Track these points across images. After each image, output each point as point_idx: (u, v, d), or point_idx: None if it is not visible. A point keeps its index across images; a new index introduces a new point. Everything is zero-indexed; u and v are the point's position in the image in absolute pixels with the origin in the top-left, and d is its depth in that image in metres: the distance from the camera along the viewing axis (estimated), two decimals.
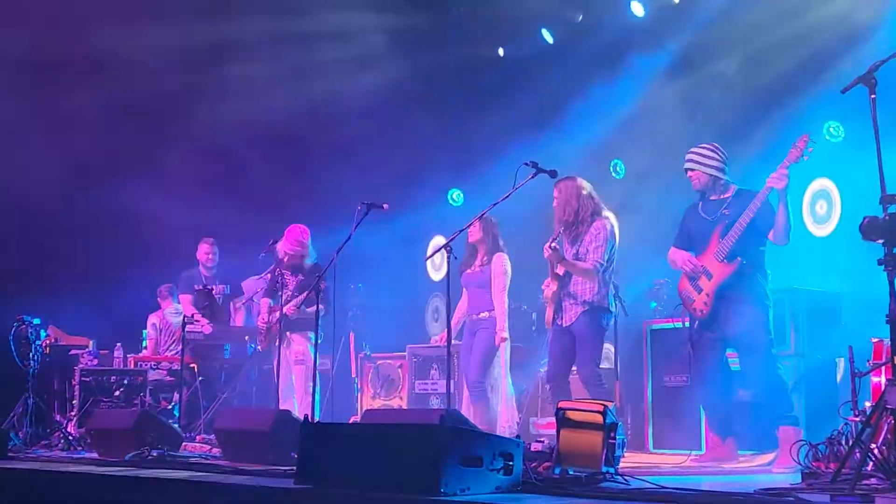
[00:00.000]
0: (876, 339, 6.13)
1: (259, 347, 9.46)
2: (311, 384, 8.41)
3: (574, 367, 7.61)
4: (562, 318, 7.45)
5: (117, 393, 9.48)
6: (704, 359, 6.98)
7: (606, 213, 7.65)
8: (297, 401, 9.04)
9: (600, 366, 7.61)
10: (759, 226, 6.69)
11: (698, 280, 6.86)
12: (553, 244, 7.25)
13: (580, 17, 11.05)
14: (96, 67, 10.77)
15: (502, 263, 8.37)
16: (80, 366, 9.66)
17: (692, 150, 7.07)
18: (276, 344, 8.79)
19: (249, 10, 11.18)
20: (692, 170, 7.01)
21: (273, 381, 8.94)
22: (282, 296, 8.98)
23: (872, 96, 5.09)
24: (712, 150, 7.00)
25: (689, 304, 6.97)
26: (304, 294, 8.59)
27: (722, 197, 6.96)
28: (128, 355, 10.17)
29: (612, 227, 7.61)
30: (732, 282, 6.72)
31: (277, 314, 9.00)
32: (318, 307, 7.99)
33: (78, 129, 10.84)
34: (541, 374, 8.77)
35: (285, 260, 9.22)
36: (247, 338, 9.99)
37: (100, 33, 10.52)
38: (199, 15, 10.89)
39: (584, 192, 7.53)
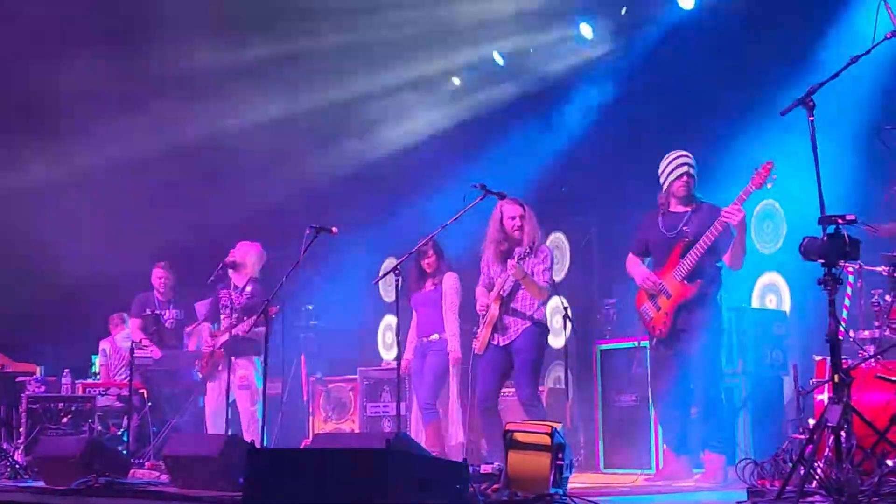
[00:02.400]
0: (819, 358, 6.23)
1: (200, 373, 9.38)
2: (256, 409, 8.36)
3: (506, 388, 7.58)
4: (501, 337, 7.34)
5: (65, 420, 9.34)
6: (661, 375, 7.01)
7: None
8: (243, 425, 8.98)
9: (542, 386, 7.61)
10: (718, 247, 6.73)
11: (657, 298, 6.88)
12: (520, 259, 7.18)
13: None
14: None
15: (453, 281, 8.38)
16: (27, 393, 9.53)
17: (684, 154, 6.95)
18: (220, 369, 8.74)
19: None
20: (690, 175, 6.92)
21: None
22: (223, 319, 8.95)
23: (811, 118, 5.16)
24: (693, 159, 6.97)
25: (648, 320, 6.98)
26: (255, 316, 8.55)
27: (682, 210, 6.93)
28: (76, 381, 10.05)
29: (552, 253, 7.61)
30: (691, 303, 6.75)
31: (222, 338, 8.95)
32: (267, 329, 7.95)
33: None
34: None
35: (231, 274, 9.19)
36: (196, 362, 9.91)
37: None
38: None
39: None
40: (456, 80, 11.84)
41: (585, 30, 10.49)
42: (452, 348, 8.25)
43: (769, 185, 6.46)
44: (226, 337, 8.97)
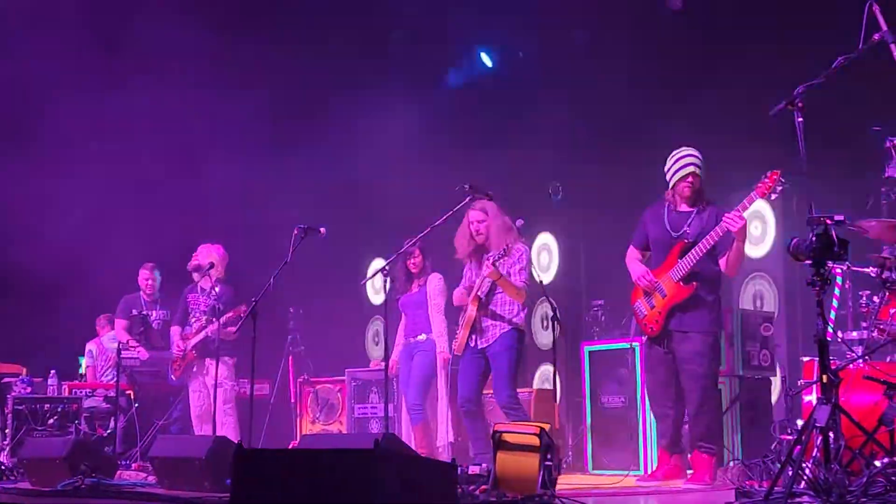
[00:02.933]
0: (807, 359, 6.23)
1: (173, 376, 9.37)
2: (229, 406, 8.36)
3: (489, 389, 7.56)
4: (480, 340, 7.31)
5: (51, 421, 9.30)
6: (655, 373, 6.99)
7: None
8: (216, 424, 8.96)
9: (522, 389, 7.59)
10: (718, 250, 6.71)
11: (652, 296, 6.86)
12: (495, 261, 7.17)
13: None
14: None
15: (439, 283, 8.39)
16: (13, 394, 9.48)
17: (691, 152, 6.82)
18: (194, 370, 8.74)
19: None
20: (696, 175, 6.80)
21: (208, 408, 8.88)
22: (194, 322, 8.97)
23: (799, 119, 5.17)
24: (700, 155, 6.85)
25: (640, 317, 6.95)
26: (230, 313, 8.58)
27: (688, 210, 6.85)
28: (62, 383, 10.01)
29: (530, 253, 7.58)
30: (686, 304, 6.73)
31: (192, 341, 8.97)
32: (254, 332, 7.92)
33: None
34: None
35: (197, 278, 9.18)
36: (170, 365, 9.88)
37: None
38: None
39: (505, 216, 7.42)
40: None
41: None
42: (441, 349, 8.25)
43: (773, 196, 6.37)
44: (197, 339, 9.00)
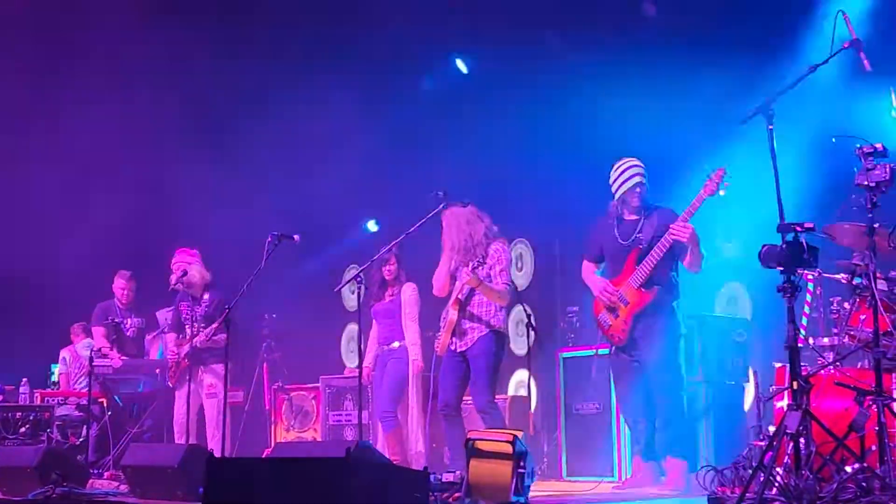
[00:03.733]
0: (779, 365, 6.26)
1: (170, 383, 9.32)
2: (223, 417, 8.31)
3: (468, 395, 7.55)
4: (459, 342, 7.27)
5: (23, 429, 9.23)
6: (624, 381, 7.01)
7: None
8: (208, 434, 8.93)
9: (505, 394, 7.59)
10: (675, 253, 6.75)
11: (616, 307, 6.88)
12: (474, 268, 7.17)
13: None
14: None
15: (412, 293, 8.41)
16: None
17: (634, 162, 6.91)
18: (187, 378, 8.68)
19: None
20: (642, 184, 6.88)
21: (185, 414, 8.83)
22: (187, 328, 8.91)
23: (770, 127, 5.20)
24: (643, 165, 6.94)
25: (606, 328, 6.99)
26: (215, 325, 8.53)
27: (636, 218, 6.92)
28: (34, 390, 9.94)
29: (510, 251, 7.57)
30: (649, 310, 6.77)
31: (186, 348, 8.91)
32: (227, 337, 7.90)
33: None
34: None
35: (180, 288, 9.13)
36: (157, 371, 9.83)
37: None
38: None
39: (473, 216, 7.35)
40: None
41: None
42: (415, 356, 8.26)
43: (722, 192, 6.49)
44: (188, 347, 8.94)
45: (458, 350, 7.28)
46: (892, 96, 5.54)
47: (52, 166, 11.10)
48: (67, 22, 10.96)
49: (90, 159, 11.17)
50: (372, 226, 12.50)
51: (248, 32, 11.36)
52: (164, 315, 10.13)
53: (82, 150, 11.15)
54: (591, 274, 7.15)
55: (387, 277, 8.45)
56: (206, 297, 9.13)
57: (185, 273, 9.08)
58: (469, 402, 7.62)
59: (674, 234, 6.54)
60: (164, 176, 11.31)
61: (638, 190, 6.87)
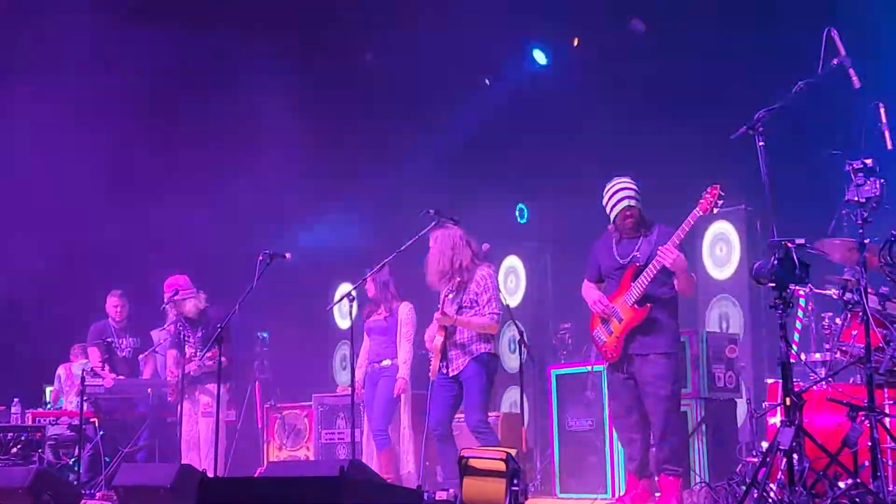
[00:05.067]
0: (771, 381, 6.27)
1: (170, 399, 9.31)
2: (215, 436, 8.29)
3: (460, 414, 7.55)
4: (448, 368, 7.29)
5: (14, 450, 9.19)
6: (616, 400, 7.00)
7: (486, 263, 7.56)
8: (203, 454, 8.90)
9: (490, 412, 7.57)
10: (670, 271, 6.73)
11: (609, 323, 6.88)
12: (442, 312, 7.16)
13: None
14: None
15: (409, 312, 8.41)
16: None
17: (625, 184, 6.83)
18: (186, 396, 8.69)
19: None
20: (634, 206, 6.80)
21: (178, 435, 8.80)
22: (187, 348, 8.91)
23: (761, 143, 5.23)
24: (635, 184, 6.87)
25: (600, 344, 6.97)
26: (206, 351, 8.56)
27: (634, 237, 6.87)
28: (26, 410, 9.90)
29: (496, 277, 7.54)
30: (643, 327, 6.75)
31: (180, 371, 8.92)
32: (219, 359, 7.89)
33: None
34: None
35: (175, 313, 9.14)
36: (149, 390, 9.80)
37: None
38: None
39: (460, 241, 7.36)
40: None
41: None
42: (401, 374, 8.24)
43: (715, 211, 6.45)
44: (185, 369, 8.94)
45: (449, 374, 7.31)
46: (881, 112, 5.54)
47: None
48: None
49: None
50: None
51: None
52: (158, 334, 10.11)
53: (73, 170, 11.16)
54: (590, 289, 7.12)
55: (368, 295, 8.45)
56: (203, 318, 9.14)
57: (176, 292, 9.08)
58: (462, 419, 7.62)
59: (660, 259, 6.53)
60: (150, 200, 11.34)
61: (629, 213, 6.82)
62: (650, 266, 6.62)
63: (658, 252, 6.52)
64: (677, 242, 6.48)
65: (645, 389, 6.76)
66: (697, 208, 6.44)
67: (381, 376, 8.36)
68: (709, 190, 6.43)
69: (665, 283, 6.74)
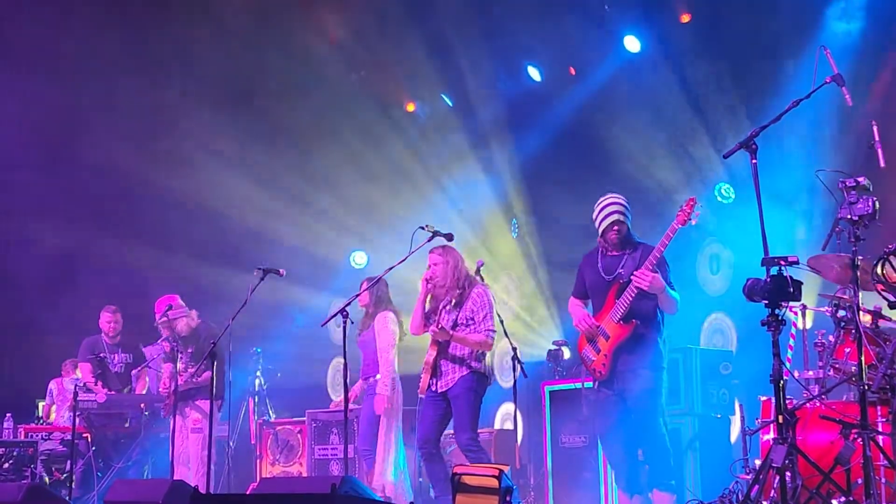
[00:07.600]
0: (764, 398, 6.27)
1: (163, 413, 9.30)
2: (207, 453, 8.27)
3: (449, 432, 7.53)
4: (439, 383, 7.28)
5: (6, 465, 9.16)
6: (606, 416, 6.99)
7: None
8: (192, 470, 8.88)
9: (491, 428, 7.57)
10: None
11: (596, 341, 6.88)
12: (439, 326, 7.17)
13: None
14: None
15: (386, 320, 8.29)
16: None
17: (615, 200, 6.86)
18: (175, 412, 8.66)
19: None
20: (622, 222, 6.83)
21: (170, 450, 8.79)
22: (180, 363, 8.90)
23: (754, 161, 5.24)
24: (625, 200, 6.91)
25: (588, 363, 6.97)
26: (196, 367, 8.55)
27: (619, 253, 6.89)
28: (18, 426, 9.87)
29: (491, 295, 7.52)
30: (629, 343, 6.74)
31: (173, 384, 8.90)
32: (212, 375, 7.87)
33: None
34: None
35: (168, 331, 9.14)
36: (142, 405, 9.78)
37: None
38: None
39: (461, 257, 7.42)
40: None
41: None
42: (380, 390, 8.16)
43: (693, 222, 6.48)
44: (173, 384, 8.93)
45: (439, 391, 7.30)
46: (873, 129, 5.56)
47: None
48: None
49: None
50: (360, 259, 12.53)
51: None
52: (151, 350, 10.10)
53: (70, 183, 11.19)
54: (576, 307, 7.13)
55: (360, 305, 8.44)
56: (194, 336, 9.14)
57: (170, 307, 9.09)
58: (451, 434, 7.60)
59: (636, 282, 6.54)
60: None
61: (616, 227, 6.83)
62: (631, 285, 6.63)
63: (633, 277, 6.54)
64: (654, 262, 6.50)
65: (634, 405, 6.75)
66: (675, 221, 6.49)
67: (371, 392, 8.33)
68: (686, 203, 6.48)
69: (650, 298, 6.74)
